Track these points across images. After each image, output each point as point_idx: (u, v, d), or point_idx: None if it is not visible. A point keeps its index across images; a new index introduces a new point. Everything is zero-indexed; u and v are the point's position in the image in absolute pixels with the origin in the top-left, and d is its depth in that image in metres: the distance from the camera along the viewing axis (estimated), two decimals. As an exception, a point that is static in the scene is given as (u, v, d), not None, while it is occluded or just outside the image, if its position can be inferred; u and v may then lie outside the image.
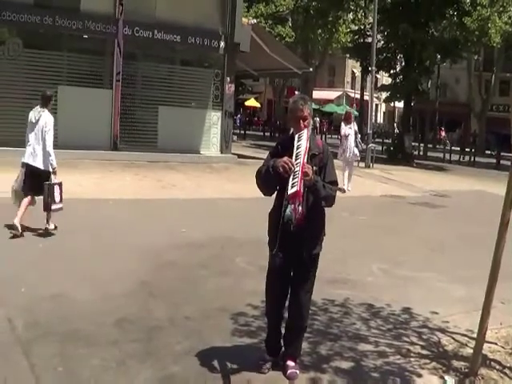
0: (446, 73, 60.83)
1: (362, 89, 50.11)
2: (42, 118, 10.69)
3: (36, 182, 10.59)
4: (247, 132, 52.73)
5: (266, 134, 55.70)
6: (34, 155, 10.65)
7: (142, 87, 23.87)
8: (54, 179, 10.74)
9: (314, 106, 51.87)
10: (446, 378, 6.02)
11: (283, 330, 6.25)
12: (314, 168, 5.66)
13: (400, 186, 23.21)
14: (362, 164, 28.87)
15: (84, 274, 8.84)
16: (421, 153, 44.49)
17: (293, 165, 5.48)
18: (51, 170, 10.66)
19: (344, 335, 7.26)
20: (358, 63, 45.90)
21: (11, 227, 10.37)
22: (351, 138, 20.20)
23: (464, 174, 32.44)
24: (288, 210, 5.66)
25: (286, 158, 5.54)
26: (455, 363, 6.67)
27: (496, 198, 21.36)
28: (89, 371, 5.81)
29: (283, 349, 6.24)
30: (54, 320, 6.98)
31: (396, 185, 23.63)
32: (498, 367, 6.60)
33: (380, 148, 36.87)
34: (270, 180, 5.71)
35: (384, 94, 46.22)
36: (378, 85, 45.21)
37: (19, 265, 8.93)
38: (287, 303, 6.13)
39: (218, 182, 19.19)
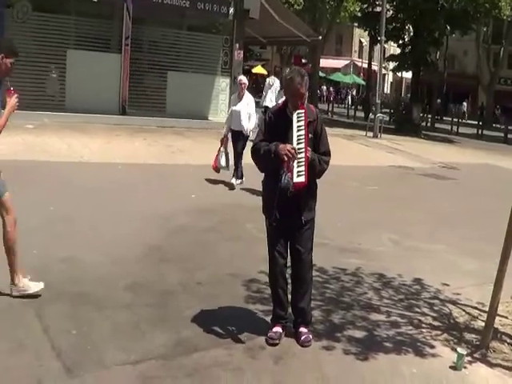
0: (454, 44, 60.23)
1: (370, 58, 49.77)
2: None
3: None
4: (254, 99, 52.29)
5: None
6: None
7: (150, 52, 23.72)
8: None
9: (320, 74, 51.83)
10: (459, 349, 5.98)
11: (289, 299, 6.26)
12: (309, 136, 5.69)
13: (408, 157, 23.12)
14: (370, 134, 28.79)
15: (94, 237, 8.84)
16: (428, 124, 44.26)
17: (296, 153, 5.49)
18: None
19: (356, 304, 7.28)
20: (366, 33, 45.55)
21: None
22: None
23: (472, 146, 32.30)
24: (285, 178, 5.72)
25: (289, 147, 5.57)
26: (467, 335, 6.69)
27: (505, 172, 21.58)
28: (102, 334, 5.81)
29: (293, 316, 6.24)
30: (66, 282, 6.98)
31: (404, 155, 23.53)
32: (508, 341, 6.59)
33: (388, 118, 36.68)
34: (270, 162, 5.72)
35: (391, 64, 45.94)
36: (386, 55, 44.84)
37: (30, 226, 8.89)
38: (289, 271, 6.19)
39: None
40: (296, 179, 5.54)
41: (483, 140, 38.58)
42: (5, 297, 6.43)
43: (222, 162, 13.20)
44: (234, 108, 13.39)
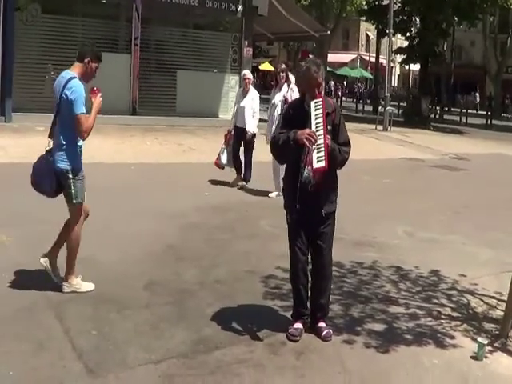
0: (460, 35, 60.07)
1: (378, 52, 49.64)
2: None
3: None
4: (262, 96, 52.31)
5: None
6: None
7: (160, 52, 23.70)
8: None
9: (328, 69, 51.75)
10: (479, 339, 5.96)
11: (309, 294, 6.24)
12: (328, 127, 5.66)
13: (418, 149, 23.08)
14: (380, 127, 28.73)
15: (109, 237, 8.85)
16: (437, 116, 44.15)
17: (316, 137, 5.47)
18: None
19: (374, 297, 7.27)
20: (373, 26, 45.47)
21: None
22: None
23: (482, 136, 32.17)
24: (306, 172, 5.73)
25: (308, 131, 5.55)
26: (486, 325, 6.68)
27: None
28: (123, 335, 5.82)
29: (311, 311, 6.23)
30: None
31: (414, 148, 23.50)
32: (528, 329, 6.57)
33: (396, 111, 36.59)
34: (290, 152, 5.72)
35: (399, 57, 45.83)
36: (394, 48, 44.79)
37: (45, 228, 8.91)
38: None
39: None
40: (316, 165, 5.50)
41: (492, 130, 38.42)
42: (25, 298, 6.45)
43: (223, 159, 13.11)
44: (238, 104, 13.22)
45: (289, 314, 6.39)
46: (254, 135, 12.96)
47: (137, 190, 11.81)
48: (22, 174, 11.61)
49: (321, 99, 5.65)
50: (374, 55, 55.48)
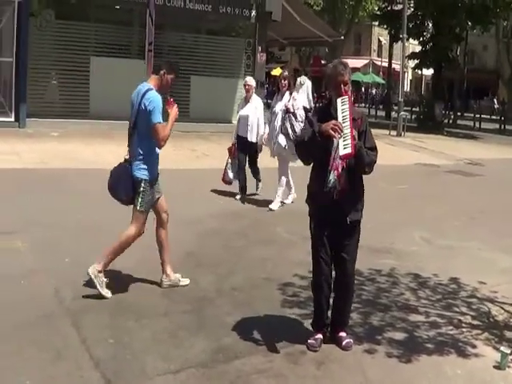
0: (473, 39, 59.76)
1: (390, 56, 49.45)
2: None
3: None
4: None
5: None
6: None
7: (173, 57, 23.61)
8: None
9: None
10: (502, 348, 5.87)
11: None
12: (354, 131, 5.55)
13: (433, 155, 22.97)
14: (394, 132, 28.60)
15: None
16: (450, 121, 43.97)
17: (342, 127, 5.38)
18: None
19: (394, 305, 7.19)
20: (385, 31, 45.37)
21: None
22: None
23: (495, 142, 31.96)
24: (331, 177, 5.61)
25: (334, 121, 5.46)
26: (507, 334, 6.60)
27: None
28: (141, 343, 5.75)
29: (331, 321, 6.14)
30: (101, 291, 6.94)
31: (429, 153, 23.38)
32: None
33: (409, 116, 36.45)
34: (315, 146, 5.58)
35: (411, 62, 45.67)
36: (407, 53, 44.68)
37: (61, 234, 8.90)
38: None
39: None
40: (343, 151, 5.40)
41: (506, 135, 38.17)
42: (42, 305, 6.40)
43: (231, 174, 12.46)
44: (240, 113, 12.59)
45: (307, 323, 6.31)
46: (258, 146, 12.53)
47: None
48: (36, 180, 11.67)
49: (347, 96, 5.58)
50: (387, 60, 55.36)
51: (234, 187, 12.58)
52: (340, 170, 5.59)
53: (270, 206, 11.63)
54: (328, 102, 5.96)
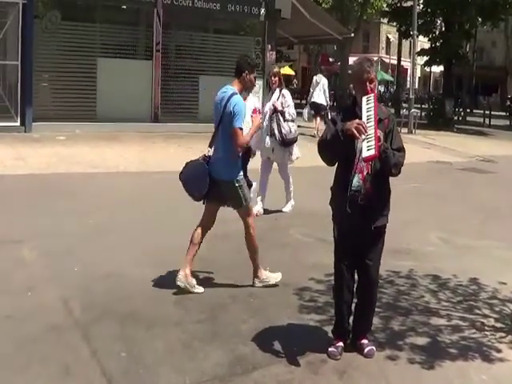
0: (481, 36, 59.75)
1: (400, 53, 49.27)
2: None
3: None
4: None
5: (301, 101, 55.04)
6: None
7: (181, 57, 23.36)
8: None
9: (349, 71, 51.46)
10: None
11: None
12: (380, 132, 5.31)
13: (444, 152, 22.75)
14: (405, 130, 28.34)
15: (135, 250, 8.56)
16: (460, 118, 43.68)
17: (366, 127, 5.15)
18: None
19: (414, 309, 6.99)
20: (394, 29, 45.20)
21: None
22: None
23: (506, 138, 31.60)
24: (356, 180, 5.38)
25: (358, 121, 5.21)
26: (531, 337, 6.37)
27: None
28: (154, 355, 5.53)
29: (353, 327, 5.93)
30: (111, 300, 6.72)
31: (440, 150, 23.16)
32: None
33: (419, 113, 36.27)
34: (338, 145, 5.33)
35: (419, 59, 45.46)
36: (416, 50, 44.49)
37: (69, 242, 8.70)
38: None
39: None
40: (366, 153, 5.14)
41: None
42: (51, 317, 6.19)
43: None
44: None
45: (326, 329, 6.14)
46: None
47: (162, 199, 11.51)
48: (43, 185, 11.48)
49: (373, 94, 5.36)
50: (395, 57, 55.24)
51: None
52: (365, 173, 5.38)
53: (284, 209, 11.30)
54: (353, 101, 5.74)
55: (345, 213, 5.48)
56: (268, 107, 10.96)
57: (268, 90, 11.43)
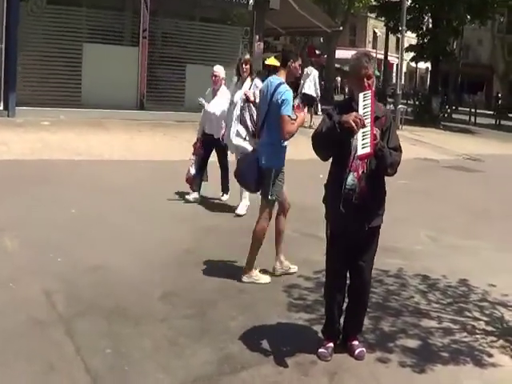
0: (468, 34, 59.86)
1: (386, 48, 49.22)
2: None
3: None
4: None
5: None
6: None
7: (168, 45, 23.09)
8: None
9: (335, 65, 51.39)
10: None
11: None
12: (376, 130, 5.15)
13: (432, 149, 22.71)
14: (392, 125, 28.32)
15: (121, 242, 8.37)
16: (445, 115, 43.76)
17: (364, 121, 5.00)
18: None
19: (405, 310, 6.89)
20: (381, 23, 45.15)
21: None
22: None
23: (492, 137, 31.79)
24: (350, 179, 5.23)
25: (355, 113, 5.05)
26: (522, 341, 6.31)
27: None
28: (140, 353, 5.34)
29: (344, 328, 5.81)
30: (96, 294, 6.52)
31: (428, 147, 23.11)
32: None
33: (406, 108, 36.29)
34: (334, 139, 5.17)
35: (406, 55, 45.45)
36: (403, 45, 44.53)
37: (52, 231, 8.50)
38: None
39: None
40: (361, 151, 4.98)
41: (502, 130, 38.01)
42: (33, 311, 5.99)
43: (192, 171, 11.14)
44: (206, 107, 11.13)
45: (315, 328, 6.01)
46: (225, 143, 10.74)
47: (147, 189, 11.31)
48: (27, 172, 11.22)
49: (370, 91, 5.19)
50: (381, 52, 55.16)
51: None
52: (360, 171, 5.23)
53: (237, 212, 10.37)
54: (350, 96, 5.59)
55: (338, 212, 5.32)
56: (238, 97, 10.06)
57: (238, 78, 10.37)
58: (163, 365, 5.16)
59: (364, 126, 4.99)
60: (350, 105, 5.33)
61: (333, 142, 5.24)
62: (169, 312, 6.26)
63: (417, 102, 39.12)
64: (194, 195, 11.03)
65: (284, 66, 7.30)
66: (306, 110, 22.77)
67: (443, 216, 11.65)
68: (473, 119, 41.60)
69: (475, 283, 7.88)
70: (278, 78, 7.27)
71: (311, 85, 23.97)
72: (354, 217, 5.31)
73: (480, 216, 12.02)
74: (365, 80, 5.25)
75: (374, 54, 68.24)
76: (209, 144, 11.14)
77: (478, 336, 6.35)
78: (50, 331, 5.62)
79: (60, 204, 9.82)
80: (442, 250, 9.42)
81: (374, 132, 5.02)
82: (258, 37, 23.83)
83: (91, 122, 18.25)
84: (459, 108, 53.31)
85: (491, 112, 50.06)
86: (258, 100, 9.69)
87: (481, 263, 8.82)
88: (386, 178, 5.50)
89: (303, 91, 23.83)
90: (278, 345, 5.68)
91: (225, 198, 11.24)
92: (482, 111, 47.32)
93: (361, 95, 5.21)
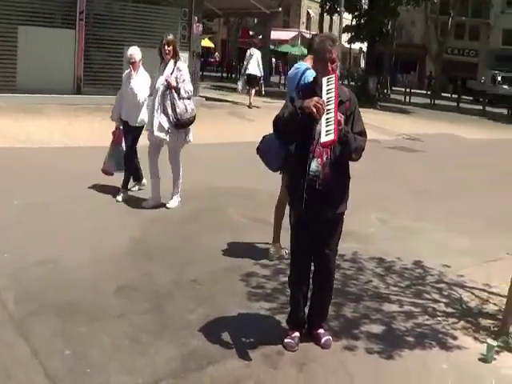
0: (402, 15, 60.34)
1: (322, 30, 49.33)
2: None
3: None
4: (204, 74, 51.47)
5: (223, 74, 54.55)
6: None
7: (106, 27, 22.47)
8: None
9: (270, 46, 51.22)
10: (488, 341, 5.60)
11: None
12: (342, 117, 5.00)
13: (372, 129, 22.41)
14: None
15: (68, 234, 8.00)
16: (380, 95, 44.13)
17: (325, 107, 4.84)
18: None
19: (365, 294, 6.84)
20: (315, 4, 45.17)
21: None
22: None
23: (428, 116, 32.21)
24: (314, 165, 5.09)
25: (317, 98, 4.90)
26: (482, 321, 6.39)
27: (467, 142, 21.67)
28: (100, 352, 5.06)
29: (308, 316, 5.69)
30: (47, 291, 6.18)
31: (367, 128, 21.82)
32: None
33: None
34: (296, 123, 5.04)
35: (345, 36, 45.61)
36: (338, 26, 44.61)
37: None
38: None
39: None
40: (324, 138, 4.82)
41: (436, 109, 38.55)
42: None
43: (112, 164, 10.46)
44: (121, 91, 10.34)
45: (278, 317, 5.91)
46: (138, 129, 10.16)
47: (91, 177, 10.76)
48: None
49: (334, 75, 5.05)
50: (315, 33, 55.20)
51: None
52: (324, 158, 5.08)
53: (168, 205, 9.66)
54: (313, 80, 5.42)
55: (302, 199, 5.18)
56: (160, 82, 9.34)
57: (161, 60, 9.51)
58: (126, 365, 4.91)
59: (325, 111, 4.84)
60: (314, 89, 5.17)
61: (295, 127, 5.09)
62: (126, 307, 5.99)
63: (352, 83, 39.27)
64: (122, 195, 10.00)
65: (311, 53, 7.12)
66: (252, 91, 23.07)
67: (391, 198, 11.66)
68: (408, 99, 42.11)
69: (430, 264, 7.92)
70: (304, 64, 7.57)
71: (255, 65, 24.49)
72: (319, 203, 5.17)
73: (426, 196, 12.17)
74: (328, 64, 5.11)
75: (309, 35, 68.57)
76: (126, 130, 10.31)
77: (439, 318, 6.35)
78: (3, 334, 5.26)
79: (1, 195, 9.38)
80: (393, 232, 9.41)
81: (339, 118, 4.87)
82: (196, 18, 23.50)
83: (28, 108, 17.63)
84: (393, 88, 53.90)
85: (424, 91, 50.74)
86: (180, 85, 9.26)
87: (431, 245, 8.87)
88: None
89: (247, 72, 24.48)
90: (242, 337, 5.51)
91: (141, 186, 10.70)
92: (415, 91, 47.98)
93: (324, 80, 5.06)
